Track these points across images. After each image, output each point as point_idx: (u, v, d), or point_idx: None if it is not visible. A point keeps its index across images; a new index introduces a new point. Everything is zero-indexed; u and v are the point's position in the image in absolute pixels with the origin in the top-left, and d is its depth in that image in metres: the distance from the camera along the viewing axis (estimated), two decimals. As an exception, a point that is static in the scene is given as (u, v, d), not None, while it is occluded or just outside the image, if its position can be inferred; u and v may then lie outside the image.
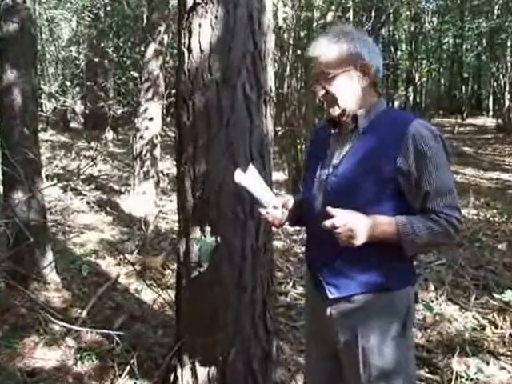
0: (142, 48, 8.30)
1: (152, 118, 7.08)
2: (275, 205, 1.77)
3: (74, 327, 3.19)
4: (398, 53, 26.31)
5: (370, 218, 1.56)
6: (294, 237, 5.69)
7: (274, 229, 2.70)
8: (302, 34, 8.40)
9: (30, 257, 3.97)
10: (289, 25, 7.75)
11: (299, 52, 7.53)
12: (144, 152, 7.10)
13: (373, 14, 11.38)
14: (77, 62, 16.20)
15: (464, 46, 24.86)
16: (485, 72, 26.07)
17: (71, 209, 6.98)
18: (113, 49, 14.65)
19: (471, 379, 2.85)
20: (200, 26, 2.34)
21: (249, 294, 2.49)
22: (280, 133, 7.71)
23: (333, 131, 1.78)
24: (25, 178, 3.76)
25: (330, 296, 1.70)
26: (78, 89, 15.68)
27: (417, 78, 22.88)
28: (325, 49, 1.66)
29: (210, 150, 2.38)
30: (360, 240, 1.54)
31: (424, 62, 24.17)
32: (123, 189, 8.12)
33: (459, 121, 20.62)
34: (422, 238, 1.57)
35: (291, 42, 7.92)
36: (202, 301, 2.49)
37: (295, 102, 7.83)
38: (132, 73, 10.67)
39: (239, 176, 1.74)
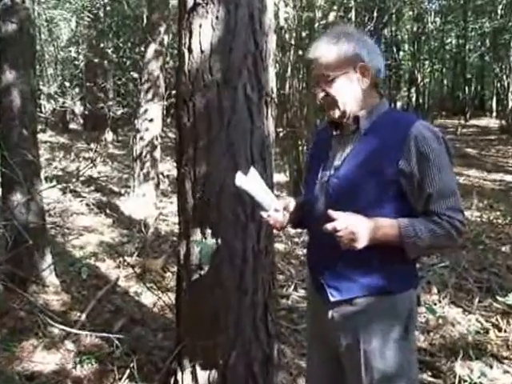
0: (142, 48, 8.30)
1: (152, 119, 7.06)
2: (277, 208, 1.76)
3: (74, 330, 3.19)
4: (401, 53, 26.21)
5: (371, 221, 1.55)
6: (296, 239, 5.66)
7: (275, 231, 2.68)
8: (304, 34, 8.36)
9: (28, 259, 3.95)
10: (290, 25, 7.72)
11: (301, 52, 7.50)
12: (144, 153, 7.07)
13: (375, 14, 11.33)
14: (76, 62, 16.19)
15: (467, 47, 24.69)
16: (488, 73, 25.88)
17: (70, 211, 6.96)
18: (112, 49, 14.63)
19: (474, 383, 2.83)
20: (201, 26, 2.33)
21: (250, 297, 2.48)
22: (281, 134, 7.69)
23: (334, 133, 1.77)
24: (23, 179, 3.76)
25: (332, 299, 1.70)
26: (77, 89, 15.70)
27: (419, 79, 22.77)
28: (324, 51, 1.66)
29: (210, 152, 2.37)
30: (361, 243, 1.53)
31: (427, 62, 24.11)
32: (123, 191, 8.10)
33: (462, 122, 20.55)
34: (424, 241, 1.56)
35: (293, 42, 7.89)
36: (202, 304, 2.48)
37: (297, 103, 7.81)
38: (132, 73, 10.68)
39: (240, 179, 1.72)
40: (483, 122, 22.42)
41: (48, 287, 4.04)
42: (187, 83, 2.39)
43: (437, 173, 1.56)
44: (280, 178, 8.29)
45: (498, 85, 21.86)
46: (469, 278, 4.34)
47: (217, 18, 2.31)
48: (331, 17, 8.46)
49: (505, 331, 3.41)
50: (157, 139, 7.18)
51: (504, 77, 20.08)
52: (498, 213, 6.80)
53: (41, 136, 10.47)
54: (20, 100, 3.88)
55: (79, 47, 16.48)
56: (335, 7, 8.68)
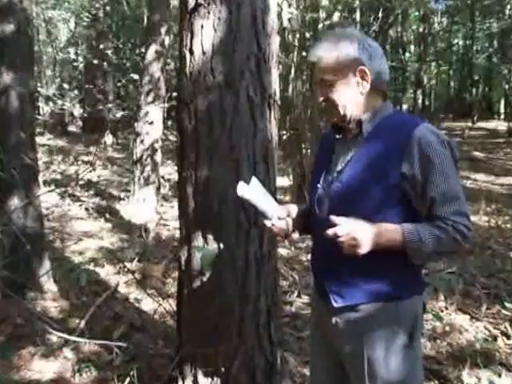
0: (143, 50, 8.27)
1: (153, 122, 7.03)
2: (280, 216, 1.76)
3: (72, 338, 3.15)
4: (407, 54, 26.26)
5: (374, 226, 1.55)
6: (300, 244, 5.64)
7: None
8: (308, 35, 8.33)
9: (26, 265, 3.92)
10: (294, 26, 7.70)
11: (304, 54, 7.47)
12: (144, 157, 7.04)
13: (380, 14, 11.27)
14: (75, 63, 16.25)
15: (474, 48, 24.71)
16: (496, 74, 25.82)
17: (69, 215, 6.94)
18: (112, 50, 14.60)
19: (482, 391, 2.82)
20: (202, 27, 2.33)
21: (252, 304, 2.48)
22: (284, 137, 7.70)
23: (337, 136, 1.77)
24: (21, 183, 3.75)
25: (335, 305, 1.69)
26: (76, 91, 15.71)
27: (426, 81, 22.64)
28: (323, 55, 1.66)
29: (212, 155, 2.37)
30: (364, 249, 1.52)
31: (433, 63, 24.17)
32: (123, 195, 8.08)
33: (469, 124, 20.49)
34: (428, 246, 1.54)
35: (296, 43, 7.86)
36: (204, 310, 2.47)
37: (300, 105, 7.78)
38: (132, 75, 10.63)
39: (242, 189, 1.73)
40: (491, 124, 22.23)
41: (46, 293, 4.02)
42: (188, 85, 2.39)
43: (440, 176, 1.55)
44: (283, 181, 8.27)
45: (506, 86, 21.80)
46: (476, 285, 4.32)
47: (219, 18, 2.31)
48: (335, 17, 8.43)
49: (513, 339, 3.40)
50: (157, 142, 7.15)
51: (512, 78, 20.07)
52: (507, 217, 6.77)
53: (39, 139, 10.43)
54: (18, 102, 3.85)
55: (78, 48, 16.54)
56: (339, 7, 8.64)
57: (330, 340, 1.77)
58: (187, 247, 2.50)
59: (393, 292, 1.62)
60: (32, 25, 4.89)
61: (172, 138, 11.43)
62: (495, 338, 3.42)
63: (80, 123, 17.40)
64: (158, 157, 7.25)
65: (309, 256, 2.03)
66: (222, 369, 2.44)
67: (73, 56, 15.89)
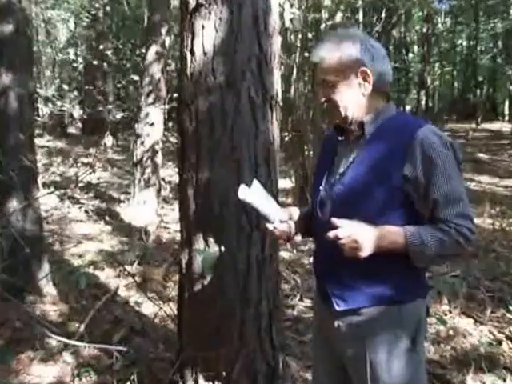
0: (143, 50, 8.25)
1: (153, 124, 7.02)
2: (282, 219, 1.75)
3: (72, 342, 3.15)
4: (410, 55, 26.30)
5: (376, 229, 1.54)
6: (302, 247, 5.64)
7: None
8: (310, 35, 8.32)
9: (25, 268, 3.91)
10: (296, 26, 7.69)
11: (307, 54, 7.45)
12: (145, 159, 7.03)
13: (383, 14, 11.26)
14: (75, 64, 16.25)
15: (478, 48, 24.69)
16: (500, 75, 25.76)
17: (69, 218, 6.92)
18: (112, 51, 14.59)
19: (487, 396, 2.81)
20: (203, 27, 2.33)
21: (254, 307, 2.48)
22: (286, 139, 7.69)
23: (340, 138, 1.77)
24: (20, 185, 3.74)
25: (338, 308, 1.68)
26: (75, 93, 15.74)
27: (429, 82, 22.65)
28: (325, 55, 1.66)
29: (213, 157, 2.37)
30: (365, 252, 1.52)
31: (437, 64, 24.17)
32: (123, 197, 8.07)
33: (473, 126, 20.48)
34: (431, 249, 1.53)
35: (298, 44, 7.86)
36: (205, 314, 2.47)
37: (302, 106, 7.77)
38: (132, 76, 10.64)
39: (243, 192, 1.72)
40: (495, 125, 22.22)
41: (45, 297, 4.00)
42: (189, 86, 2.39)
43: (443, 178, 1.54)
44: (285, 183, 8.26)
45: (511, 87, 21.78)
46: (480, 288, 4.30)
47: (220, 19, 2.31)
48: (338, 17, 8.41)
49: (518, 343, 3.39)
50: (158, 144, 7.13)
51: (516, 79, 20.05)
52: (511, 220, 6.72)
53: (38, 140, 10.46)
54: (17, 103, 3.84)
55: (78, 49, 16.56)
56: (342, 7, 8.62)
57: (333, 343, 1.77)
58: (188, 250, 2.50)
59: (395, 295, 1.61)
60: (31, 25, 4.87)
61: (173, 139, 11.45)
62: (500, 342, 3.40)
63: (80, 125, 17.41)
64: (159, 158, 7.23)
65: (311, 259, 2.02)
66: (223, 373, 2.43)
67: (72, 57, 15.90)
